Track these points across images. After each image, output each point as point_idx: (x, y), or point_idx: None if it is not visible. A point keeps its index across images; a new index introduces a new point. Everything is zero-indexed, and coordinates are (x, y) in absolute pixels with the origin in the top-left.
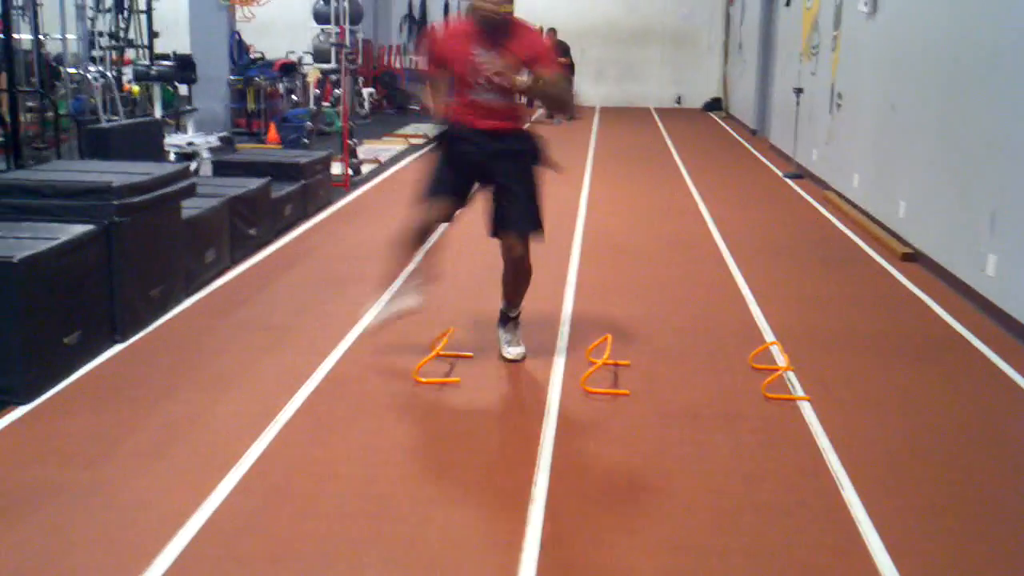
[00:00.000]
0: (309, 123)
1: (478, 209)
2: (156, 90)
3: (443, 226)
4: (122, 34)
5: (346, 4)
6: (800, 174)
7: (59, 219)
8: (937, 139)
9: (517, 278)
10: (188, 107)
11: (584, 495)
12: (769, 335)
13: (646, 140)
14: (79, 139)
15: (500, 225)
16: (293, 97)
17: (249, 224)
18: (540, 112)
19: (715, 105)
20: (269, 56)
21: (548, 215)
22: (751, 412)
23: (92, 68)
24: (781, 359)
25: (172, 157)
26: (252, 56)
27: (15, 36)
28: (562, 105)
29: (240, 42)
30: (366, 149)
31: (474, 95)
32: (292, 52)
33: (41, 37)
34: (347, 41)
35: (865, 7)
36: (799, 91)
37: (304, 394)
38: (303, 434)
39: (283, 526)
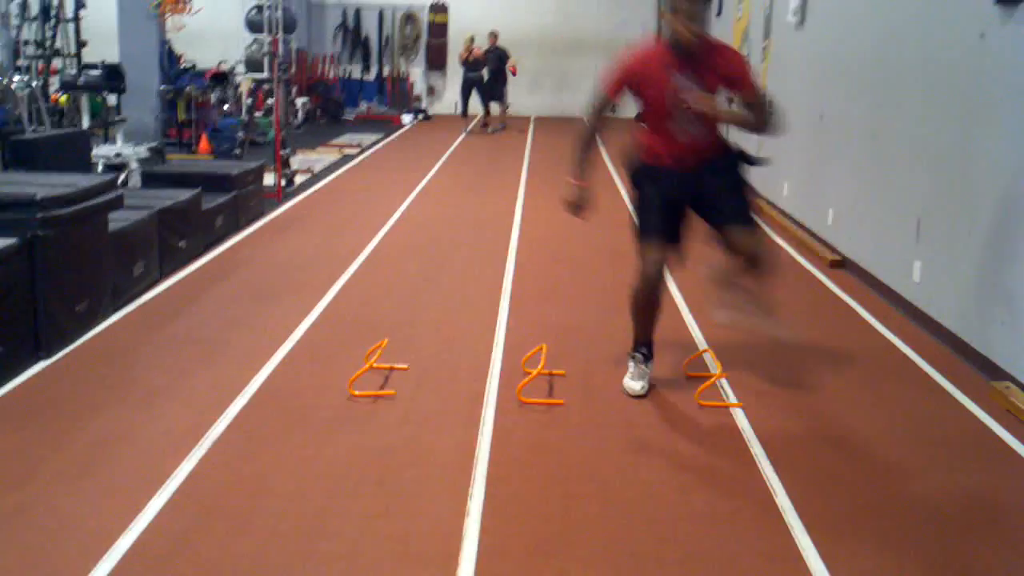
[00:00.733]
0: (241, 133)
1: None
2: (84, 100)
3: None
4: (48, 43)
5: (279, 14)
6: None
7: None
8: (864, 148)
9: (758, 272)
10: (117, 117)
11: (521, 506)
12: (702, 342)
13: None
14: (3, 150)
15: (720, 224)
16: (225, 107)
17: (179, 236)
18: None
19: None
20: (200, 66)
21: (485, 222)
22: (685, 420)
23: (17, 78)
24: (714, 366)
25: (100, 168)
26: (183, 66)
27: None
28: (772, 128)
29: (170, 51)
30: (299, 159)
31: (673, 126)
32: (224, 61)
33: None
34: (280, 51)
35: (793, 18)
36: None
37: (236, 409)
38: (235, 450)
39: (215, 545)
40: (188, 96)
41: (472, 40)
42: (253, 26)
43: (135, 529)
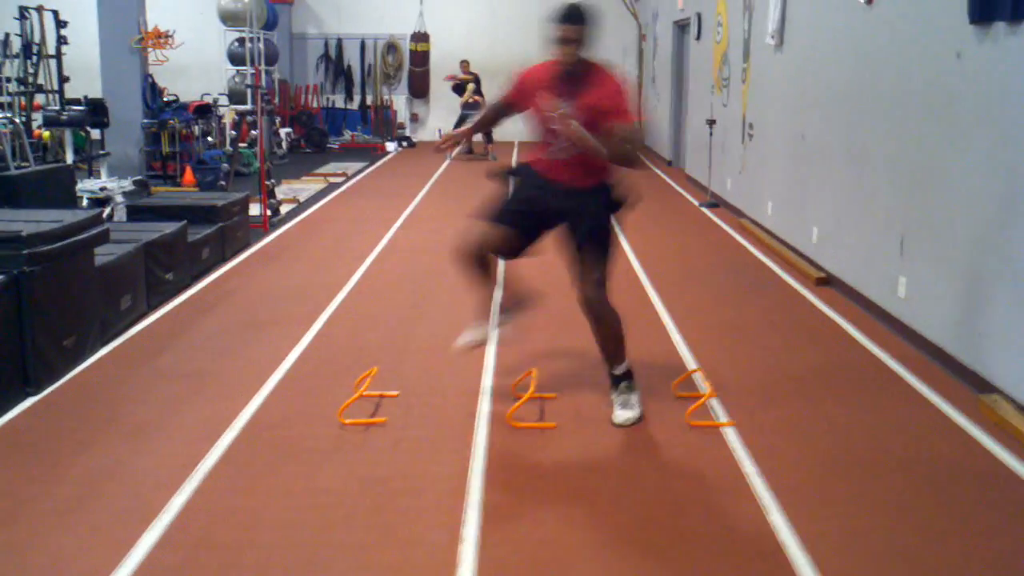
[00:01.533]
0: (226, 165)
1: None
2: (67, 135)
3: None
4: (31, 79)
5: (261, 45)
6: (716, 203)
7: None
8: (845, 166)
9: (598, 327)
10: (101, 152)
11: (515, 532)
12: (691, 363)
13: None
14: None
15: (572, 259)
16: (209, 139)
17: (165, 269)
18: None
19: None
20: (184, 98)
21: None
22: (676, 440)
23: (0, 115)
24: (704, 387)
25: (85, 203)
26: (166, 99)
27: None
28: (628, 162)
29: (153, 85)
30: (284, 189)
31: (549, 148)
32: (207, 94)
33: None
34: (263, 82)
35: (772, 40)
36: (712, 122)
37: (226, 442)
38: (226, 483)
39: None
40: (172, 129)
41: (473, 88)
42: (235, 59)
43: (127, 565)
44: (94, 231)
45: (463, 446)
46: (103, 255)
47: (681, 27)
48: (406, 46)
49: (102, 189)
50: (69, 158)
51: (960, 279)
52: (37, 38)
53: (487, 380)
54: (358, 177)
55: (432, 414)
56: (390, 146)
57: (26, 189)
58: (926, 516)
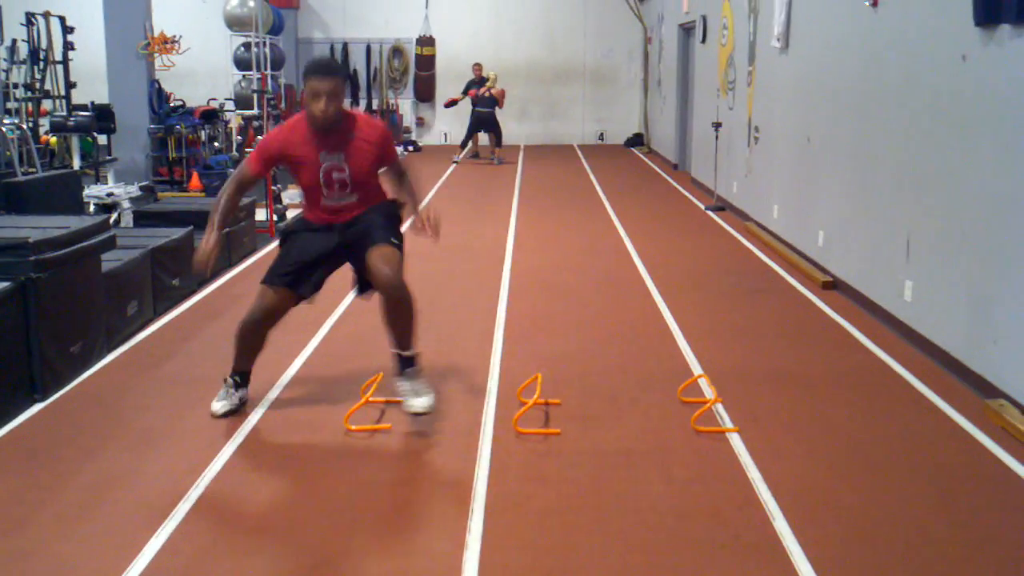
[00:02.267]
0: (232, 170)
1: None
2: (74, 141)
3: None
4: (38, 85)
5: (267, 50)
6: (722, 207)
7: None
8: (851, 169)
9: (397, 309)
10: (108, 157)
11: (520, 538)
12: (697, 368)
13: (570, 177)
14: None
15: (366, 254)
16: (215, 144)
17: (172, 275)
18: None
19: (637, 141)
20: (190, 104)
21: (477, 254)
22: (682, 446)
23: (7, 120)
24: (709, 392)
25: (92, 209)
26: (172, 104)
27: None
28: (407, 196)
29: (160, 90)
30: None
31: (326, 200)
32: (213, 99)
33: None
34: (269, 87)
35: (777, 43)
36: (718, 125)
37: (232, 447)
38: (232, 489)
39: None
40: (178, 134)
41: (494, 81)
42: (241, 63)
43: (134, 571)
44: (101, 237)
45: (468, 452)
46: (110, 261)
47: (686, 30)
48: (412, 50)
49: (109, 195)
50: (76, 164)
51: (966, 283)
52: (44, 44)
53: (492, 385)
54: None
55: (437, 420)
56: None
57: (33, 195)
58: (931, 521)
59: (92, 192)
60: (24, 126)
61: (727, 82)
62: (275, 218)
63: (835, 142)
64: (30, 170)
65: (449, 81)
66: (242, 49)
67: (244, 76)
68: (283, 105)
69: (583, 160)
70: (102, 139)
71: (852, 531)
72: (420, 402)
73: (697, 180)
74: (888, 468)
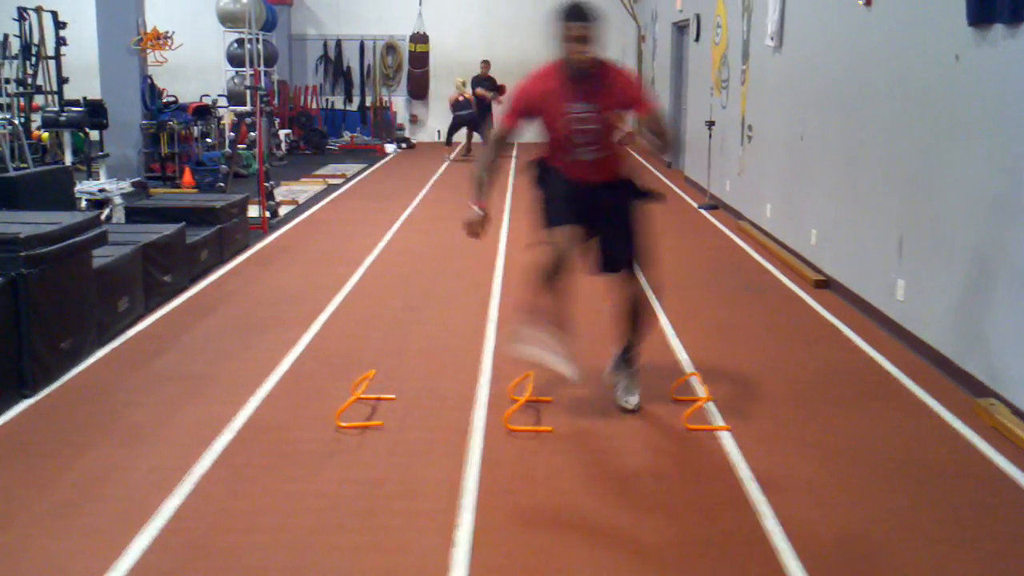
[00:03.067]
0: (224, 166)
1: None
2: (66, 137)
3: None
4: (30, 80)
5: (260, 46)
6: (715, 205)
7: None
8: (844, 168)
9: (642, 314)
10: (100, 153)
11: (509, 536)
12: (689, 366)
13: None
14: None
15: (607, 264)
16: (208, 140)
17: (163, 271)
18: (459, 150)
19: None
20: (183, 100)
21: (469, 251)
22: (673, 444)
23: None
24: (701, 390)
25: (84, 204)
26: (165, 100)
27: None
28: (665, 146)
29: (152, 86)
30: (283, 191)
31: (573, 153)
32: (206, 95)
33: None
34: (262, 83)
35: (771, 42)
36: (711, 124)
37: (222, 444)
38: (222, 486)
39: None
40: (171, 130)
41: (464, 84)
42: (234, 60)
43: (120, 568)
44: (92, 233)
45: (459, 450)
46: (101, 257)
47: (680, 28)
48: (405, 47)
49: (101, 191)
50: (68, 159)
51: (959, 282)
52: (36, 39)
53: (484, 383)
54: (357, 179)
55: (429, 417)
56: (389, 148)
57: (24, 191)
58: (921, 520)
59: (84, 188)
60: (16, 121)
61: (721, 81)
62: (267, 215)
63: (828, 141)
64: (22, 165)
65: (442, 78)
66: (235, 45)
67: (237, 72)
68: (275, 102)
69: None
70: (94, 135)
71: (841, 529)
72: (634, 400)
73: (690, 178)
74: (878, 467)
